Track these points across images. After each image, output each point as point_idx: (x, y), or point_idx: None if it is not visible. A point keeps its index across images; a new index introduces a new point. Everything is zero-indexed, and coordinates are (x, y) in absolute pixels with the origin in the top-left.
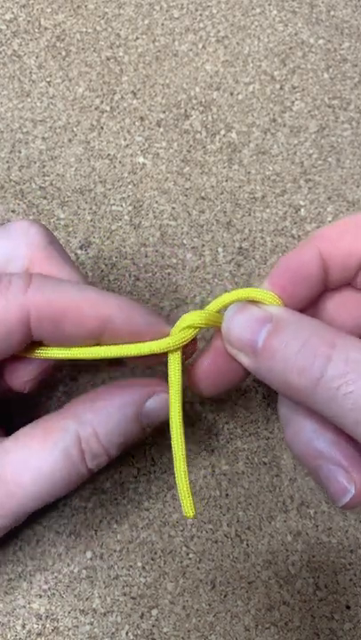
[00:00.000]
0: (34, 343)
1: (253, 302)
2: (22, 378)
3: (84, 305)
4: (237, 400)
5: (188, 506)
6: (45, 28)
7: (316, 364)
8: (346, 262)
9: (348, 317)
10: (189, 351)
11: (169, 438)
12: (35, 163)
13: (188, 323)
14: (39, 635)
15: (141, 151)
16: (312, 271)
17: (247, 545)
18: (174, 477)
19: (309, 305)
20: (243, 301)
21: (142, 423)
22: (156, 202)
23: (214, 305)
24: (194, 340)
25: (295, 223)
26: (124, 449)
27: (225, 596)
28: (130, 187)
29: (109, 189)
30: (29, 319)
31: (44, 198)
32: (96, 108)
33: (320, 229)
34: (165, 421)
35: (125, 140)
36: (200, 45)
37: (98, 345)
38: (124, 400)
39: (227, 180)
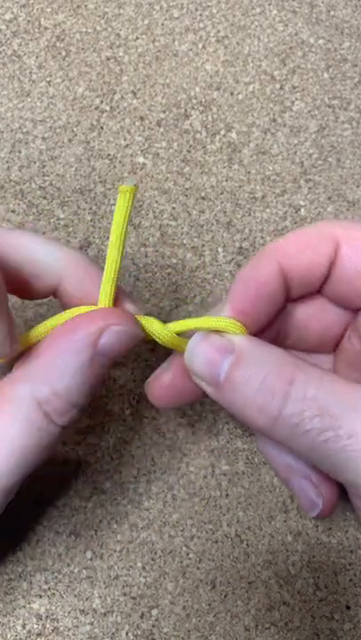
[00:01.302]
0: None
1: (216, 331)
2: None
3: (41, 250)
4: None
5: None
6: (45, 28)
7: (275, 403)
8: (307, 277)
9: (318, 326)
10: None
11: (168, 438)
12: (35, 163)
13: (152, 336)
14: (39, 635)
15: (141, 151)
16: (273, 288)
17: (247, 545)
18: (175, 477)
19: (273, 319)
20: (205, 331)
21: (101, 363)
22: (156, 202)
23: (176, 326)
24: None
25: (295, 223)
26: (94, 392)
27: (225, 596)
28: None
29: (109, 189)
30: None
31: (44, 198)
32: (96, 108)
33: (277, 242)
34: (127, 355)
35: (125, 139)
36: (200, 45)
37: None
38: (74, 347)
39: (227, 180)
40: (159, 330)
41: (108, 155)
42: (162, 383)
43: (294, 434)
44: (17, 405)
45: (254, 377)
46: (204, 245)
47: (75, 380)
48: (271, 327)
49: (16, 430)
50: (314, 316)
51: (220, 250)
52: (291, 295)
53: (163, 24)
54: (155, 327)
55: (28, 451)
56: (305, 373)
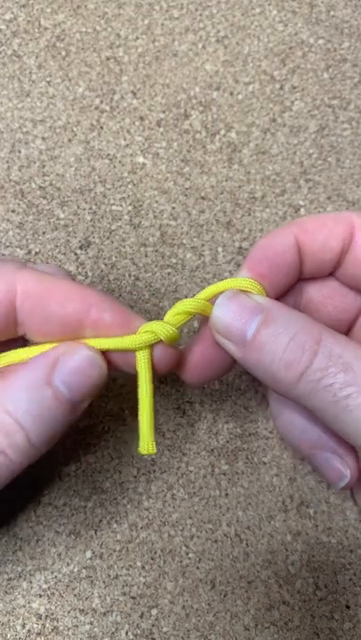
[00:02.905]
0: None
1: (243, 291)
2: None
3: (69, 287)
4: (237, 400)
5: (146, 442)
6: (45, 28)
7: (303, 359)
8: (319, 255)
9: (332, 309)
10: (166, 360)
11: (168, 438)
12: (34, 162)
13: (181, 309)
14: (39, 634)
15: (141, 151)
16: (288, 258)
17: (247, 544)
18: (174, 477)
19: (285, 292)
20: (234, 290)
21: (59, 390)
22: (156, 202)
23: (203, 294)
24: (171, 350)
25: None
26: (52, 432)
27: (225, 596)
28: (130, 186)
29: (109, 189)
30: (15, 296)
31: (44, 198)
32: (96, 108)
33: (299, 218)
34: (98, 395)
35: (125, 139)
36: (200, 45)
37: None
38: (31, 364)
39: (227, 180)
40: (189, 302)
41: (108, 154)
42: (189, 356)
43: (316, 389)
44: None
45: (283, 335)
46: (203, 245)
47: (25, 395)
48: (284, 303)
49: None
50: (328, 298)
51: (219, 250)
52: (304, 271)
53: (163, 24)
54: (186, 303)
55: None
56: (332, 335)
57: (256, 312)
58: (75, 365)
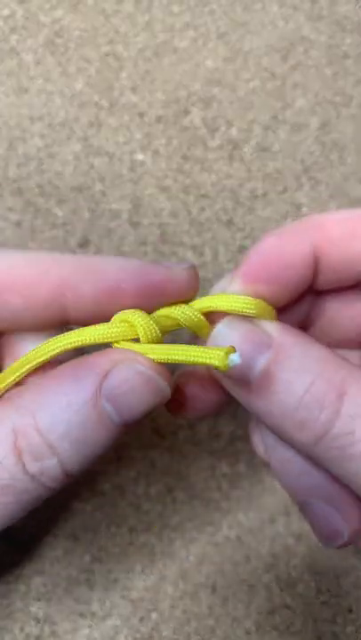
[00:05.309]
0: None
1: (247, 314)
2: None
3: (31, 271)
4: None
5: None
6: (43, 24)
7: (322, 418)
8: (343, 271)
9: (348, 320)
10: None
11: (168, 440)
12: (32, 160)
13: (171, 314)
14: (37, 638)
15: (141, 148)
16: (300, 273)
17: (248, 548)
18: (174, 479)
19: (291, 305)
20: (234, 317)
21: (105, 411)
22: (156, 199)
23: (198, 304)
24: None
25: None
26: (89, 460)
27: (226, 600)
28: (129, 184)
29: (108, 187)
30: None
31: (42, 196)
32: (95, 105)
33: (319, 217)
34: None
35: (125, 136)
36: (200, 41)
37: (67, 325)
38: (75, 375)
39: (227, 178)
40: (183, 310)
41: (107, 152)
42: (182, 387)
43: (341, 457)
44: None
45: (298, 382)
46: (204, 244)
47: (63, 413)
48: (291, 311)
49: None
50: (345, 308)
51: (220, 248)
52: (318, 284)
53: (162, 20)
54: (178, 309)
55: None
56: (358, 383)
57: (264, 346)
58: (126, 383)
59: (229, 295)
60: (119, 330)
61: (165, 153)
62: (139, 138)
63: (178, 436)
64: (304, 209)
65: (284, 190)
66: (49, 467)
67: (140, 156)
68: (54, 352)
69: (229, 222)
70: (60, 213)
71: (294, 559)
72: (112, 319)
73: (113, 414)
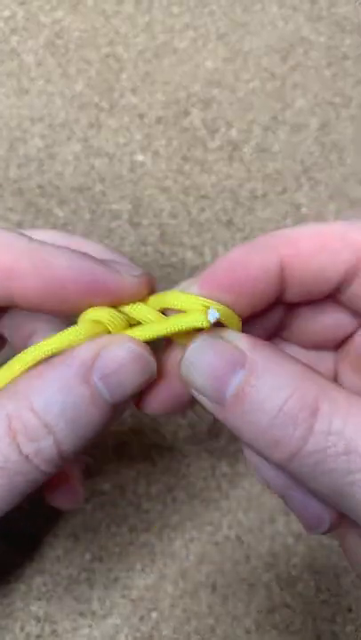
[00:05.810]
0: None
1: (218, 329)
2: None
3: None
4: None
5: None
6: (44, 25)
7: (296, 436)
8: (311, 286)
9: (323, 332)
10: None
11: (168, 440)
12: (33, 161)
13: (127, 311)
14: (38, 637)
15: (141, 149)
16: (264, 287)
17: (248, 547)
18: (174, 479)
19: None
20: (209, 334)
21: (97, 390)
22: (156, 200)
23: (155, 302)
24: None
25: (296, 222)
26: (84, 440)
27: (225, 599)
28: (129, 185)
29: (108, 187)
30: None
31: (43, 197)
32: (95, 106)
33: (290, 232)
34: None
35: (125, 137)
36: (200, 42)
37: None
38: (67, 357)
39: (227, 178)
40: (136, 308)
41: (107, 153)
42: (152, 387)
43: (314, 472)
44: None
45: (270, 401)
46: (204, 244)
47: (58, 393)
48: (261, 320)
49: None
50: (318, 317)
51: (220, 249)
52: (286, 297)
53: (162, 21)
54: (137, 308)
55: None
56: (330, 400)
57: (237, 365)
58: (117, 361)
59: (197, 297)
60: (85, 329)
61: (165, 154)
62: (139, 139)
63: (178, 436)
64: (304, 209)
65: (284, 191)
66: (44, 447)
67: (140, 157)
68: (29, 364)
69: (229, 223)
70: (60, 214)
71: (294, 558)
72: (80, 318)
73: (105, 393)
